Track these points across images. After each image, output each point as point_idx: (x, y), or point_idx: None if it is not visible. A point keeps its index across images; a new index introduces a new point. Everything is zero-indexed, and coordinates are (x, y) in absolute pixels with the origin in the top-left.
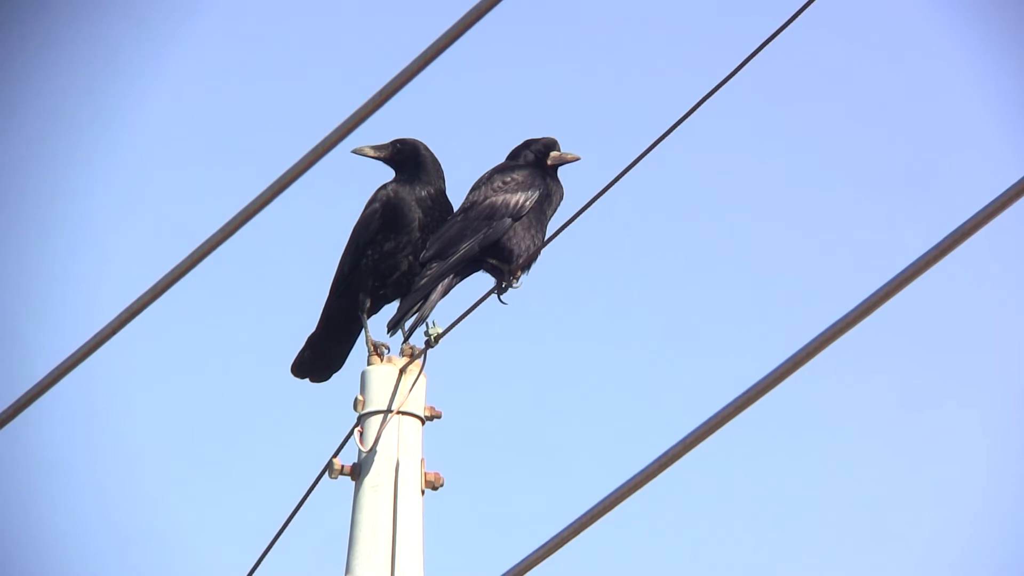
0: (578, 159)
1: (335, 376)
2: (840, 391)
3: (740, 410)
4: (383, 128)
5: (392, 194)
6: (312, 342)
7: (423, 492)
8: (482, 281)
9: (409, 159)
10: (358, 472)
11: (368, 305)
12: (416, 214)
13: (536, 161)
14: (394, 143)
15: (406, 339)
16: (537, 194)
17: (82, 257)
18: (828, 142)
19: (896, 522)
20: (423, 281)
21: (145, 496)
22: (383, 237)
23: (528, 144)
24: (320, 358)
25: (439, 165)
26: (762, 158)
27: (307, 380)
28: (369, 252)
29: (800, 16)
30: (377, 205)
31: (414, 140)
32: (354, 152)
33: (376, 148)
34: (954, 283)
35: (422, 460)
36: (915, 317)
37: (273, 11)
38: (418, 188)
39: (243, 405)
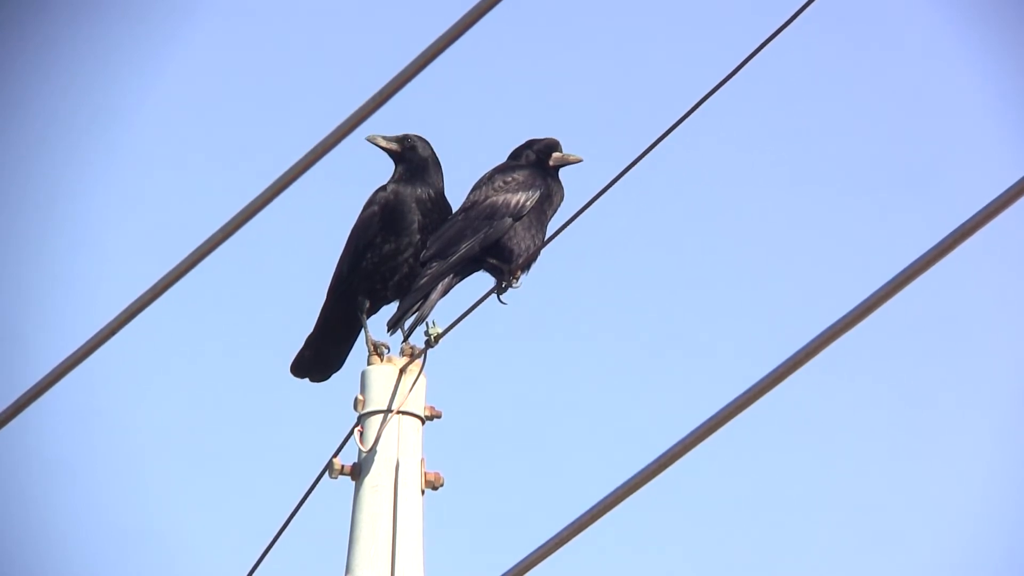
0: (580, 160)
1: (335, 376)
2: (840, 391)
3: (740, 410)
4: (383, 128)
5: (391, 196)
6: (311, 342)
7: (423, 492)
8: (482, 281)
9: (414, 157)
10: (358, 472)
11: (367, 306)
12: (415, 216)
13: (537, 161)
14: (405, 138)
15: (405, 338)
16: (538, 194)
17: (82, 257)
18: (828, 142)
19: (896, 522)
20: (423, 280)
21: (145, 496)
22: (382, 240)
23: (530, 144)
24: (319, 358)
25: (440, 166)
26: (762, 158)
27: (307, 380)
28: (368, 255)
29: (800, 16)
30: (375, 208)
31: (422, 139)
32: (368, 139)
33: (388, 139)
34: (954, 283)
35: (422, 460)
36: (915, 317)
37: (273, 11)
38: (419, 189)
39: (243, 405)
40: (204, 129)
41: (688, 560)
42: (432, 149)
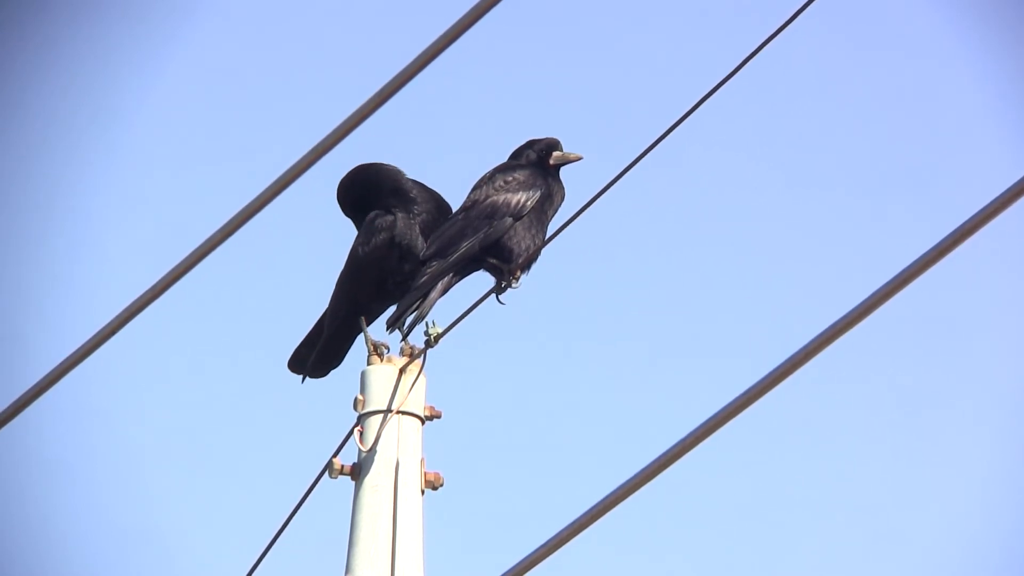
0: (580, 159)
1: (335, 376)
2: (839, 392)
3: (740, 410)
4: (383, 129)
5: (399, 223)
6: (310, 339)
7: (423, 492)
8: (482, 281)
9: (381, 195)
10: (358, 472)
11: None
12: (421, 243)
13: (538, 161)
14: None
15: (404, 337)
16: (538, 194)
17: (82, 257)
18: (828, 142)
19: (895, 522)
20: (422, 279)
21: (145, 496)
22: (398, 264)
23: (531, 144)
24: (319, 353)
25: (422, 186)
26: (762, 158)
27: (305, 376)
28: (390, 281)
29: (800, 16)
30: (384, 236)
31: (385, 168)
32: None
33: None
34: (954, 283)
35: (422, 460)
36: (915, 317)
37: (273, 11)
38: (413, 217)
39: (243, 405)
40: (204, 129)
41: (688, 560)
42: (401, 180)
